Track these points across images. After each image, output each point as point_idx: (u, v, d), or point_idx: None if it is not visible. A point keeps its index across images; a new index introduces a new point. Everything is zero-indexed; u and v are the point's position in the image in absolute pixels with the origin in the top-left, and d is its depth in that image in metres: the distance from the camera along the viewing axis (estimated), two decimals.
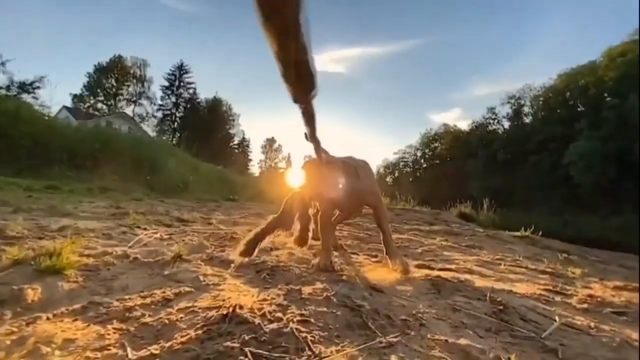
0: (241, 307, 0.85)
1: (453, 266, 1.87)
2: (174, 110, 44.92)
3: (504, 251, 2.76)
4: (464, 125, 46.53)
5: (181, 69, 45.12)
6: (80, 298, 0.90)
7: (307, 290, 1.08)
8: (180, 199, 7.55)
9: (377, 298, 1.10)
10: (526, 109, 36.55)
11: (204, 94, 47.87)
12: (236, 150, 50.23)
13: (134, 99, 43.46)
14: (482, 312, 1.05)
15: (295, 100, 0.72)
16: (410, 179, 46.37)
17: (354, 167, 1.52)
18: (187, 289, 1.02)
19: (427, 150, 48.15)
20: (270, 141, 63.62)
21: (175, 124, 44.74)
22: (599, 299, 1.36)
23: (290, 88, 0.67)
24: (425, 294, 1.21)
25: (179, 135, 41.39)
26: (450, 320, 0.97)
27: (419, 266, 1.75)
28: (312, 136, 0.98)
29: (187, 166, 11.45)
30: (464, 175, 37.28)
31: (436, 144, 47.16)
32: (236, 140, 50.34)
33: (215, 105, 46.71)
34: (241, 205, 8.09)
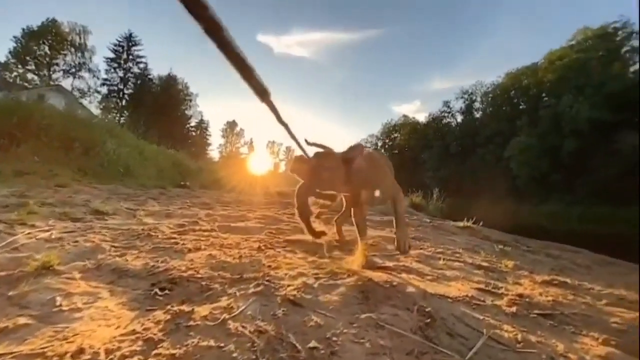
0: (81, 352, 0.61)
1: (392, 264, 1.78)
2: (121, 86, 40.60)
3: (445, 243, 2.79)
4: (422, 117, 48.68)
5: (130, 41, 40.67)
6: None
7: (202, 312, 0.86)
8: (120, 185, 6.79)
9: (291, 316, 0.92)
10: (477, 105, 39.12)
11: (157, 70, 44.00)
12: (193, 133, 47.24)
13: (73, 70, 38.42)
14: (407, 327, 0.93)
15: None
16: None
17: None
18: (24, 320, 0.75)
19: (387, 140, 49.70)
20: (232, 124, 60.84)
21: (124, 101, 40.56)
22: (527, 299, 1.33)
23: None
24: (351, 305, 1.06)
25: (127, 114, 37.71)
26: (369, 342, 0.82)
27: (357, 265, 1.63)
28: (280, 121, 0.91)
29: (130, 148, 10.35)
30: (419, 165, 39.24)
31: (396, 135, 48.85)
32: (193, 122, 47.28)
33: (170, 83, 43.13)
34: (191, 193, 7.53)
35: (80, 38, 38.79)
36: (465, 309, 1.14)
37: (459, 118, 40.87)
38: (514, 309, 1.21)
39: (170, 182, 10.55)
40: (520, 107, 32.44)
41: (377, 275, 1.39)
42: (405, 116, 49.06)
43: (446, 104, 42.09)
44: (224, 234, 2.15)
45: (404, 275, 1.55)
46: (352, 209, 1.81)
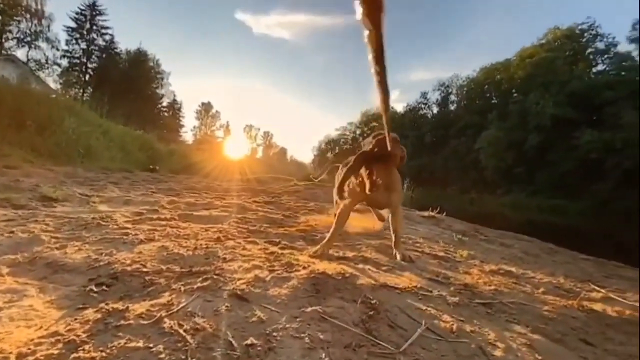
0: None
1: (352, 254, 1.82)
2: (84, 59, 37.44)
3: (409, 233, 2.89)
4: (401, 107, 49.36)
5: (93, 9, 37.29)
6: None
7: (137, 309, 0.83)
8: (80, 168, 6.37)
9: (234, 312, 0.91)
10: (452, 97, 40.21)
11: (125, 43, 40.96)
12: (165, 114, 44.92)
13: (28, 39, 34.76)
14: (350, 320, 0.95)
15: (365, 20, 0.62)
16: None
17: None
18: None
19: (365, 129, 50.11)
20: (207, 106, 58.41)
21: (87, 76, 37.54)
22: (471, 289, 1.42)
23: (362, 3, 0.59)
24: (299, 299, 1.07)
25: (91, 90, 34.98)
26: (308, 337, 0.83)
27: (316, 257, 1.64)
28: (381, 84, 0.82)
29: (92, 128, 9.66)
30: None
31: (374, 124, 49.29)
32: (165, 102, 44.88)
33: (139, 58, 40.36)
34: (158, 178, 7.23)
35: (36, 3, 34.97)
36: (411, 300, 1.19)
37: (435, 109, 41.95)
38: (457, 298, 1.28)
39: (137, 165, 10.06)
40: (493, 101, 33.77)
41: (332, 267, 1.41)
42: None
43: (423, 95, 42.98)
44: (184, 224, 2.09)
45: (360, 266, 1.59)
46: (346, 201, 1.89)
